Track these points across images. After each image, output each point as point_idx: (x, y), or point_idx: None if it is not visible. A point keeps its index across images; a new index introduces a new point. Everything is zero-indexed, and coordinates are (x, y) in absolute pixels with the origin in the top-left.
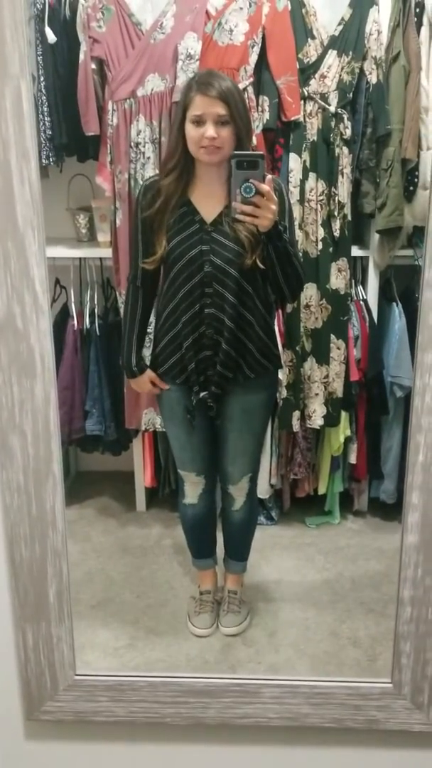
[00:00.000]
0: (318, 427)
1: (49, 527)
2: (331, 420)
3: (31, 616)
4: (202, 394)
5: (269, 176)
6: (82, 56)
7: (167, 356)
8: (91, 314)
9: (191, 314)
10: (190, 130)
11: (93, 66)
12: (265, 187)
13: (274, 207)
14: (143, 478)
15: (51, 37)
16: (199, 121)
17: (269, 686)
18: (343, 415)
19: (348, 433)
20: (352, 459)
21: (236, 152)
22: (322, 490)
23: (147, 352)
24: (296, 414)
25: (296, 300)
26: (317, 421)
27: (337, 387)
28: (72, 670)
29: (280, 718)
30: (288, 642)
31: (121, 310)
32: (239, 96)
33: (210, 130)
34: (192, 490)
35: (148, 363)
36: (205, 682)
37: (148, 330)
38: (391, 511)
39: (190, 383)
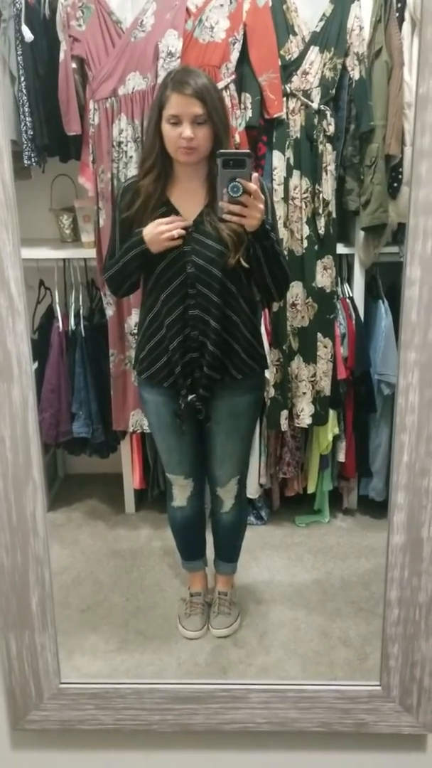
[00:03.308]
0: (306, 426)
1: (30, 534)
2: (320, 419)
3: (14, 624)
4: (190, 397)
5: (255, 175)
6: (62, 55)
7: (153, 360)
8: (77, 316)
9: (175, 316)
10: (167, 130)
11: (73, 65)
12: (253, 186)
13: (261, 206)
14: (132, 480)
15: (28, 35)
16: (175, 121)
17: (257, 691)
18: (331, 413)
19: (336, 431)
20: (341, 457)
21: (222, 151)
22: (311, 489)
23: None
24: (284, 413)
25: (283, 299)
26: (305, 420)
27: (325, 385)
28: (57, 679)
29: (268, 723)
30: (278, 643)
31: (107, 311)
32: (216, 93)
33: (187, 131)
34: (180, 493)
35: (135, 366)
36: (192, 688)
37: (134, 331)
38: (380, 508)
39: (178, 387)
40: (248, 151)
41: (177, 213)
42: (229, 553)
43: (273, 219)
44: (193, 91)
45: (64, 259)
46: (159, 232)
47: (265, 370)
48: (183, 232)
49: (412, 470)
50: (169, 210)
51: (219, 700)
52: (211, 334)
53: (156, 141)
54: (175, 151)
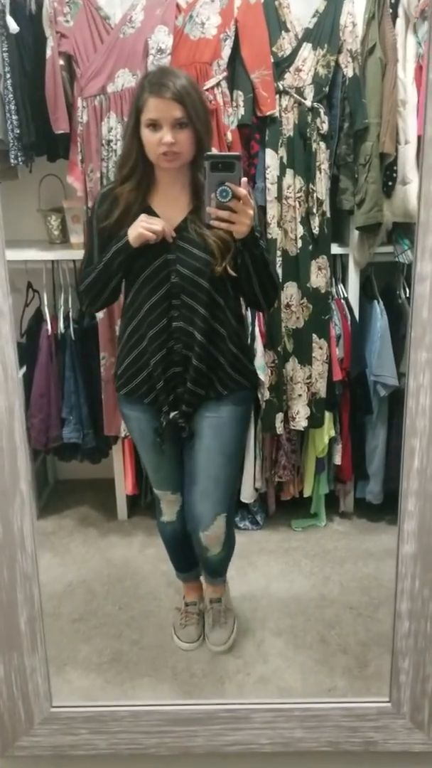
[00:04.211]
0: (302, 429)
1: (17, 550)
2: (315, 421)
3: (2, 646)
4: (172, 414)
5: (243, 179)
6: (49, 52)
7: (133, 374)
8: (66, 318)
9: (158, 329)
10: (146, 135)
11: (61, 62)
12: (243, 191)
13: (251, 212)
14: (124, 485)
15: (13, 26)
16: (154, 125)
17: (260, 710)
18: (327, 415)
19: (332, 433)
20: (337, 460)
21: (211, 153)
22: (307, 493)
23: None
24: (279, 416)
25: (271, 310)
26: (301, 422)
27: (321, 387)
28: (48, 702)
29: (272, 743)
30: (276, 651)
31: (96, 314)
32: (197, 95)
33: (167, 136)
34: (169, 508)
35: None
36: (192, 709)
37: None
38: (377, 511)
39: (159, 403)
40: (238, 153)
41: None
42: (217, 574)
43: (262, 226)
44: (172, 94)
45: (52, 261)
46: (142, 219)
47: (255, 387)
48: (159, 228)
49: (423, 475)
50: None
51: (220, 720)
52: (195, 348)
53: (134, 146)
54: (156, 158)
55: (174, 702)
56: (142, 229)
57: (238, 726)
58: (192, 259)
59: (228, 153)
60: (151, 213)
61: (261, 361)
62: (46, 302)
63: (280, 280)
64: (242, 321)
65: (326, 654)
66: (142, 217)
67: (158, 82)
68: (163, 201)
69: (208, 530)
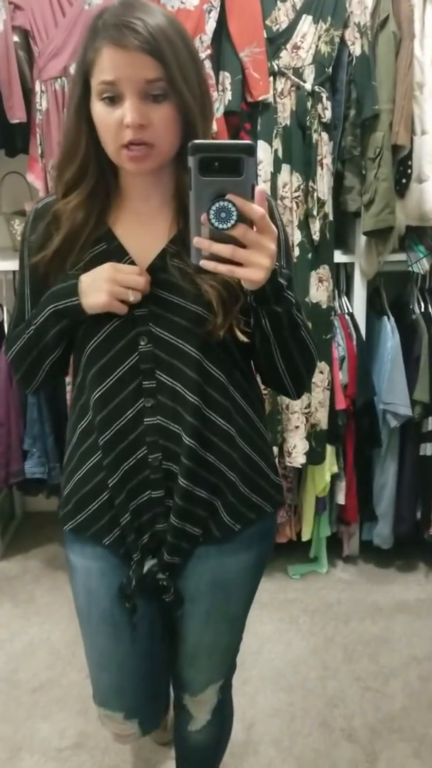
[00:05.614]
0: (300, 466)
1: None
2: (315, 456)
3: None
4: (147, 567)
5: (259, 187)
6: (1, 26)
7: (86, 500)
8: None
9: (118, 429)
10: (100, 111)
11: (16, 38)
12: (258, 210)
13: (272, 246)
14: None
15: None
16: (112, 96)
17: None
18: (329, 449)
19: (335, 469)
20: (341, 499)
21: (199, 141)
22: (306, 536)
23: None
24: (274, 451)
25: (302, 395)
26: (298, 458)
27: (321, 418)
28: None
29: None
30: (269, 738)
31: None
32: (184, 45)
33: (131, 113)
34: (119, 739)
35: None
36: None
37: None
38: (386, 556)
39: (127, 547)
40: (248, 142)
41: (123, 253)
42: None
43: (288, 260)
44: (142, 40)
45: (13, 271)
46: (109, 277)
47: (278, 509)
48: (138, 297)
49: None
50: (112, 249)
51: None
52: (183, 458)
53: (81, 134)
54: (117, 152)
55: None
56: (107, 296)
57: None
58: (174, 314)
59: (230, 142)
60: (113, 242)
61: None
62: (6, 318)
63: None
64: (258, 403)
65: (328, 742)
66: (108, 269)
67: (118, 22)
68: (130, 223)
69: (196, 697)
